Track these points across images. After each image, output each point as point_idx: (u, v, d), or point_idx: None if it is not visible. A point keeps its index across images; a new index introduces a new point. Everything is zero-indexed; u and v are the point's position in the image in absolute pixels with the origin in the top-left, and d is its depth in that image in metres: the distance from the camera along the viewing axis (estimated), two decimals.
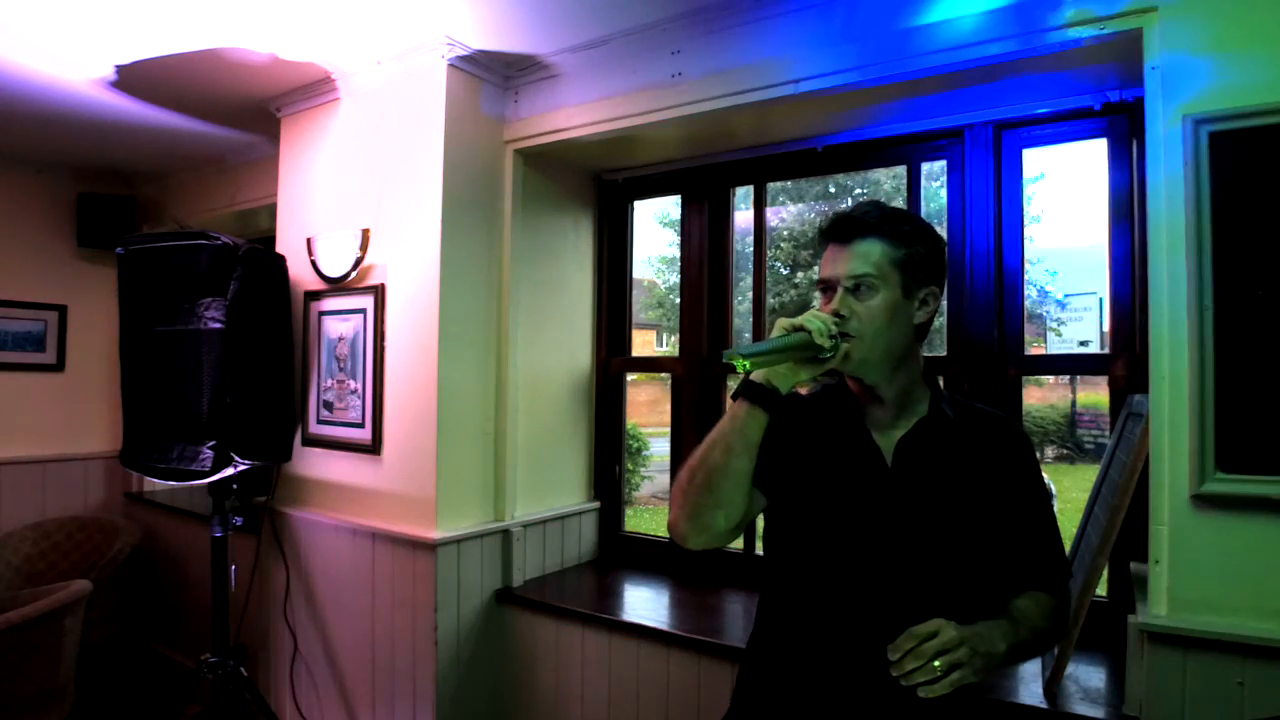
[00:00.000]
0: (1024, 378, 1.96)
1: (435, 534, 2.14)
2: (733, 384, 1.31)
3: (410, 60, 2.25)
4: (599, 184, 2.72)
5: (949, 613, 1.04)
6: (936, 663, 0.97)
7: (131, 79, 2.44)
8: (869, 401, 1.22)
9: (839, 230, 1.18)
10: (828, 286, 1.18)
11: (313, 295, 2.51)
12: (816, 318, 1.10)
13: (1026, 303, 2.01)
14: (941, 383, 1.97)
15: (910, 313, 1.18)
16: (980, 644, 1.01)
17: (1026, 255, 2.00)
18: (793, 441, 1.22)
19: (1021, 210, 1.98)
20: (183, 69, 2.34)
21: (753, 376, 1.12)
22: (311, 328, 2.51)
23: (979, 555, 1.17)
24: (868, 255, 1.15)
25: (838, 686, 1.15)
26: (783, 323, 1.11)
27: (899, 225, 1.17)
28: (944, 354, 2.06)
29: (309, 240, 2.47)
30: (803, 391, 1.30)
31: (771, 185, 2.56)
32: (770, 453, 1.15)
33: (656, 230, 11.72)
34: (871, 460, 1.19)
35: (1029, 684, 1.57)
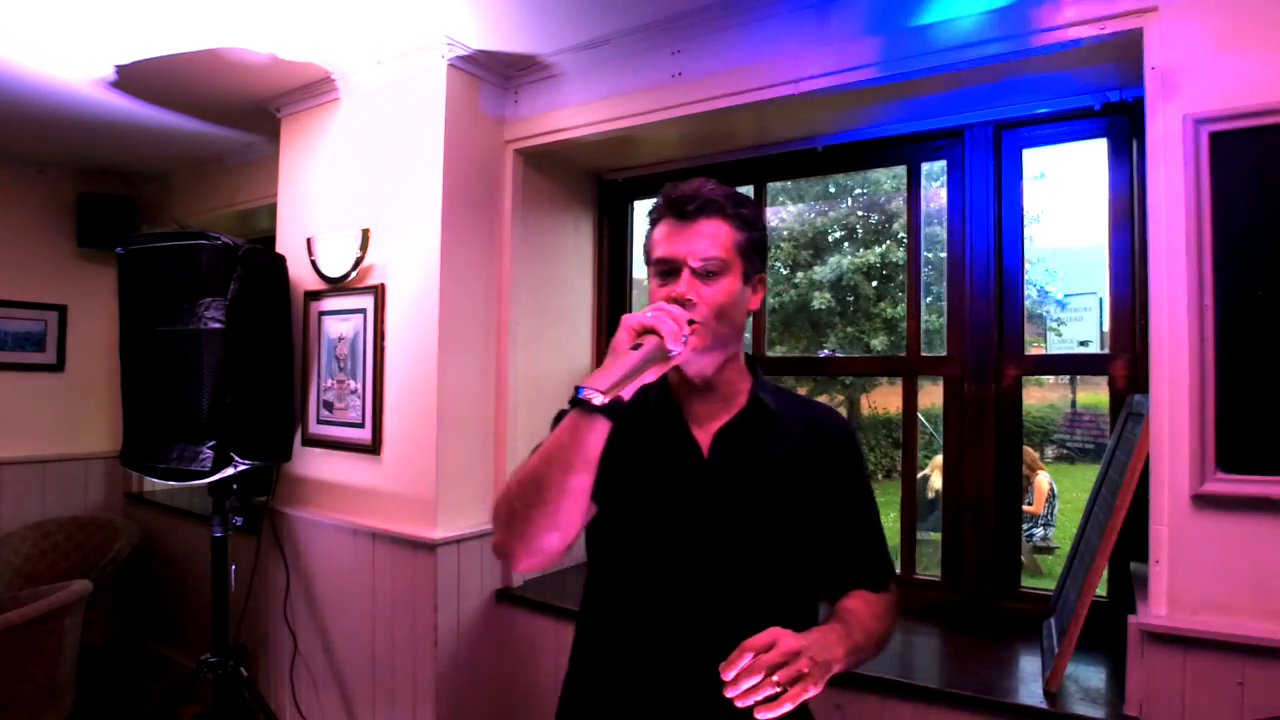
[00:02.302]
0: (1024, 377, 1.97)
1: (435, 534, 2.14)
2: None
3: (410, 60, 2.25)
4: (599, 184, 2.72)
5: (773, 611, 1.00)
6: (776, 677, 0.88)
7: (131, 79, 2.44)
8: (689, 393, 1.16)
9: (684, 207, 1.08)
10: (669, 268, 1.08)
11: (313, 295, 2.51)
12: (668, 316, 0.99)
13: (1026, 303, 2.01)
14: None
15: (746, 299, 1.12)
16: (819, 652, 0.93)
17: (1026, 255, 2.00)
18: (614, 443, 1.04)
19: (1021, 210, 1.98)
20: (183, 69, 2.34)
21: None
22: (311, 328, 2.51)
23: (801, 549, 1.13)
24: (716, 236, 1.07)
25: (662, 698, 1.08)
26: (629, 323, 0.99)
27: (740, 207, 1.10)
28: (944, 354, 2.06)
29: (309, 240, 2.47)
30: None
31: (771, 185, 2.55)
32: (602, 461, 1.01)
33: None
34: (688, 452, 1.13)
35: (1029, 684, 1.57)
